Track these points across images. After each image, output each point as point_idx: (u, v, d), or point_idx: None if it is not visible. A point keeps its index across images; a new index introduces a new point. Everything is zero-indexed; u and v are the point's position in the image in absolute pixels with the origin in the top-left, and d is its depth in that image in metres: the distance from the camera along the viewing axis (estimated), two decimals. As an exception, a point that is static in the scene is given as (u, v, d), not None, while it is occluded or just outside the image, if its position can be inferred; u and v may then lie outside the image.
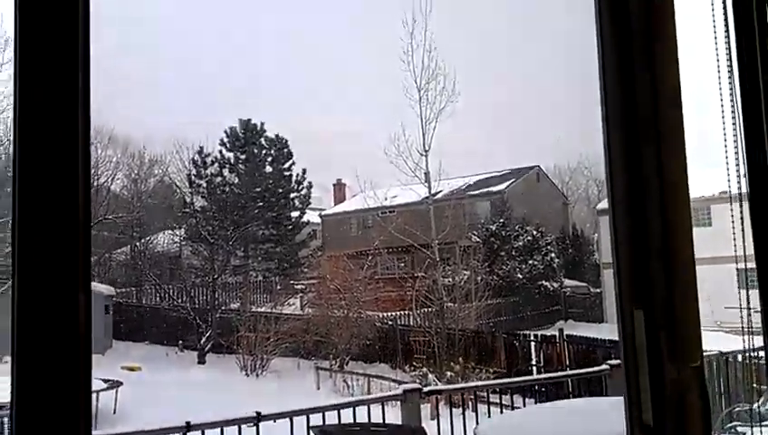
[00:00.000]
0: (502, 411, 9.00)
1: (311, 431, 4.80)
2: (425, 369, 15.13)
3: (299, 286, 23.85)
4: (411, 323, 18.76)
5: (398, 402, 5.61)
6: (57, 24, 1.15)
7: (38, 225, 1.13)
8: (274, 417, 5.38)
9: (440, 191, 21.50)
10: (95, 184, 25.43)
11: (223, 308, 20.53)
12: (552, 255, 24.44)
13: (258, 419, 5.19)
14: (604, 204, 26.59)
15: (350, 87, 25.23)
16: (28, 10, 1.12)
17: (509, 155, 27.46)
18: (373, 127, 23.79)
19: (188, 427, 4.90)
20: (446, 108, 18.98)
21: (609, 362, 6.27)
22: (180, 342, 20.41)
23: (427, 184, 20.11)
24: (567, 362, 14.26)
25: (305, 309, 21.19)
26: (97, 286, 20.59)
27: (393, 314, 18.95)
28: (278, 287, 24.59)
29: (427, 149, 19.32)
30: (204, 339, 19.40)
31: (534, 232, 24.37)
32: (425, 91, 19.07)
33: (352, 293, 19.02)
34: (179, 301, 21.20)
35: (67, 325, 1.06)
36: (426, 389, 5.93)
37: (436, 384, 12.21)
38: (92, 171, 25.66)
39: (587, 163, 31.78)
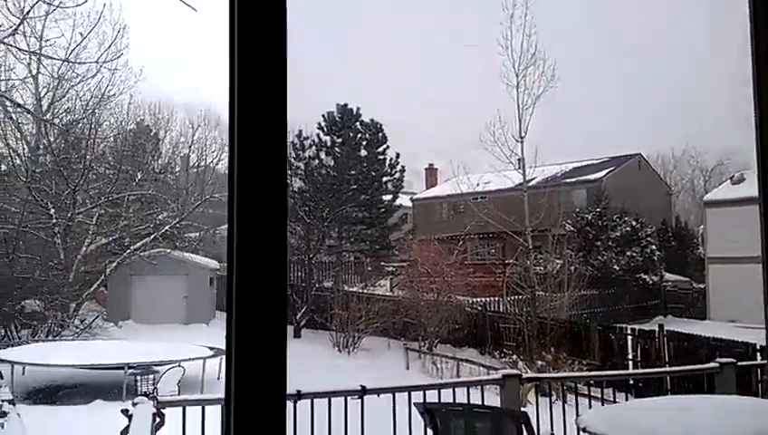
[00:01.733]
0: (591, 405, 8.86)
1: (414, 407, 4.99)
2: (515, 356, 15.08)
3: (389, 268, 24.25)
4: (501, 310, 18.68)
5: (496, 387, 5.71)
6: (268, 29, 1.28)
7: (254, 211, 1.27)
8: (378, 391, 5.62)
9: (534, 178, 21.11)
10: (203, 164, 26.90)
11: (317, 286, 21.24)
12: (653, 247, 23.47)
13: (363, 392, 5.44)
14: (712, 195, 25.19)
15: (446, 72, 25.11)
16: (244, 14, 1.27)
17: (608, 142, 26.48)
18: (468, 112, 23.63)
19: (299, 395, 5.21)
20: (545, 93, 18.55)
21: (718, 359, 6.07)
22: (276, 316, 21.36)
23: (521, 171, 19.81)
24: (666, 359, 13.77)
25: (395, 291, 21.54)
26: (203, 260, 21.87)
27: (483, 299, 18.92)
28: (369, 268, 25.09)
29: (522, 135, 19.00)
30: (299, 314, 20.21)
31: (634, 223, 23.46)
32: (523, 77, 18.72)
33: (442, 277, 19.14)
34: (275, 277, 22.08)
35: (277, 297, 1.20)
36: (524, 375, 5.99)
37: (527, 372, 12.16)
38: (201, 152, 27.14)
39: (693, 152, 30.16)
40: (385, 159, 26.51)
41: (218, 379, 12.80)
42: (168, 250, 20.16)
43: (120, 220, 19.06)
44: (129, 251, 18.83)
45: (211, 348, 13.70)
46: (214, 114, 28.28)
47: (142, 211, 20.29)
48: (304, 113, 28.40)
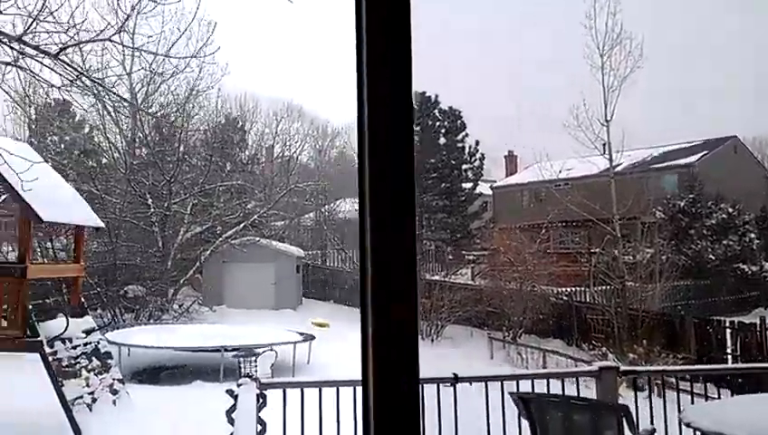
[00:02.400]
0: (693, 400, 8.53)
1: (508, 397, 5.00)
2: (604, 348, 14.68)
3: (470, 257, 24.13)
4: (588, 300, 18.21)
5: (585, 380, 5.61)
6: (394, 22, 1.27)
7: (384, 205, 1.25)
8: (470, 380, 5.66)
9: (621, 163, 20.36)
10: (286, 154, 27.68)
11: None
12: (752, 235, 22.14)
13: (456, 380, 5.50)
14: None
15: (526, 54, 24.54)
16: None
17: (700, 125, 25.14)
18: (550, 96, 23.03)
19: (457, 378, 5.29)
20: (631, 74, 17.79)
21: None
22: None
23: (607, 156, 19.14)
24: (769, 353, 13.05)
25: (476, 280, 21.42)
26: (289, 248, 22.55)
27: (568, 289, 18.51)
28: (450, 257, 25.07)
29: (608, 118, 18.32)
30: (384, 302, 20.44)
31: (730, 209, 22.22)
32: (608, 57, 18.02)
33: (525, 266, 18.85)
34: (359, 265, 22.48)
35: (408, 282, 1.20)
36: (622, 368, 5.86)
37: (619, 365, 11.82)
38: (284, 143, 27.91)
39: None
40: (464, 146, 26.33)
41: (308, 363, 13.26)
42: (257, 238, 20.94)
43: (211, 210, 19.95)
44: (220, 239, 19.69)
45: (300, 333, 14.18)
46: (296, 106, 29.04)
47: (232, 201, 21.16)
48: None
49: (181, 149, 19.53)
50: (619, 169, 19.99)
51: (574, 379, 5.77)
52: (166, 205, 18.25)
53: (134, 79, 18.37)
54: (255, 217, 21.30)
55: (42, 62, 6.17)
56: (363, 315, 1.22)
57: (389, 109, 1.20)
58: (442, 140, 26.40)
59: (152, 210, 17.97)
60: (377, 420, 1.16)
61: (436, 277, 21.71)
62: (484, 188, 28.22)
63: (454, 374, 5.59)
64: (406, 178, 1.20)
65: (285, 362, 12.26)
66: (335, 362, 12.89)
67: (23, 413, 8.12)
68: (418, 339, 1.24)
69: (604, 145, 19.03)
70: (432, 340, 17.75)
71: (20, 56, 6.02)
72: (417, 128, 26.19)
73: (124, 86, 18.88)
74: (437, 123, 26.48)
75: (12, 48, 5.95)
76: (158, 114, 17.85)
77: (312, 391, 5.01)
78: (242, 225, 20.54)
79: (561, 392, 5.58)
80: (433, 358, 14.12)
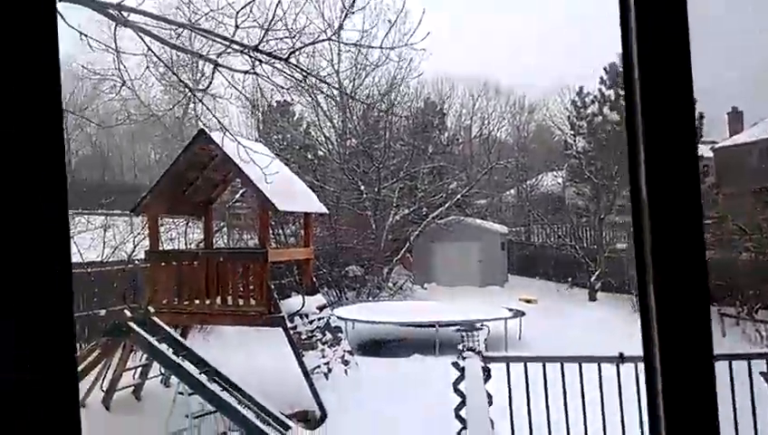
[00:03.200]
0: None
1: (760, 376, 4.63)
2: None
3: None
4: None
5: None
6: None
7: (664, 181, 1.19)
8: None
9: None
10: (485, 133, 27.73)
11: (610, 248, 20.45)
12: None
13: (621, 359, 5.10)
14: None
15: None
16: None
17: None
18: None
19: (622, 358, 5.18)
20: None
21: None
22: (569, 279, 21.20)
23: None
24: None
25: (700, 251, 19.59)
26: (494, 226, 22.67)
27: (816, 259, 16.14)
28: (668, 227, 23.24)
29: None
30: (593, 277, 19.74)
31: None
32: None
33: (761, 233, 16.81)
34: (566, 240, 21.90)
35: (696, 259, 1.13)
36: None
37: None
38: (482, 122, 27.95)
39: None
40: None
41: (519, 339, 13.33)
42: (461, 217, 21.37)
43: (417, 192, 20.81)
44: (427, 220, 20.47)
45: (510, 309, 14.27)
46: (492, 83, 28.87)
47: (435, 182, 21.84)
48: (584, 68, 27.28)
49: (386, 136, 20.59)
50: None
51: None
52: (376, 190, 19.42)
53: (341, 76, 19.73)
54: (458, 196, 21.73)
55: (274, 66, 6.94)
56: (642, 289, 1.12)
57: (663, 42, 1.04)
58: (651, 102, 24.43)
59: (364, 195, 19.27)
60: (666, 403, 1.06)
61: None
62: (703, 150, 25.55)
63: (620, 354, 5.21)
64: (685, 126, 1.05)
65: (497, 337, 12.46)
66: (545, 337, 12.81)
67: (271, 378, 9.31)
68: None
69: None
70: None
71: (256, 63, 6.79)
72: (623, 92, 24.52)
73: (333, 82, 20.39)
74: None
75: (250, 56, 6.74)
76: (366, 105, 18.94)
77: (535, 366, 5.10)
78: (446, 205, 21.11)
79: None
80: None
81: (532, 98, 29.76)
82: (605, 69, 24.65)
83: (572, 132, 24.47)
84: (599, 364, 4.85)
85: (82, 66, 9.60)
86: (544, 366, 5.01)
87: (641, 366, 4.44)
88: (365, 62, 19.96)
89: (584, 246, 21.29)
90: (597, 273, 19.77)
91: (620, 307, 17.28)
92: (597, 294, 19.53)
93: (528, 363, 5.16)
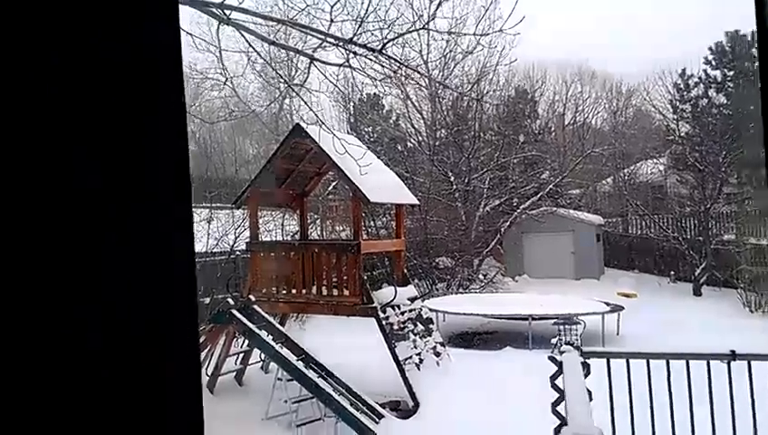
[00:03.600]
0: None
1: None
2: None
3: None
4: None
5: None
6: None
7: None
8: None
9: None
10: (579, 120, 26.82)
11: (716, 239, 19.29)
12: None
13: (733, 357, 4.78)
14: None
15: None
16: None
17: None
18: None
19: (734, 355, 4.89)
20: None
21: None
22: (672, 272, 20.20)
23: None
24: None
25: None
26: (588, 216, 21.95)
27: None
28: (781, 217, 21.58)
29: None
30: (698, 271, 18.71)
31: None
32: None
33: None
34: (668, 231, 20.85)
35: None
36: None
37: None
38: (576, 108, 27.03)
39: None
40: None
41: (617, 334, 12.85)
42: (554, 208, 20.83)
43: (507, 182, 20.47)
44: (518, 211, 20.10)
45: (607, 304, 13.78)
46: (587, 68, 27.83)
47: (526, 172, 21.39)
48: (687, 48, 25.83)
49: (476, 126, 20.36)
50: None
51: None
52: (466, 180, 19.28)
53: (430, 66, 19.68)
54: (551, 186, 21.18)
55: (367, 58, 7.01)
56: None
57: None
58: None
59: (454, 186, 19.18)
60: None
61: (765, 242, 18.89)
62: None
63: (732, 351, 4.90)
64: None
65: (593, 332, 12.07)
66: (646, 333, 12.26)
67: (364, 367, 9.49)
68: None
69: None
70: (764, 311, 15.63)
71: (350, 56, 6.88)
72: (731, 73, 22.98)
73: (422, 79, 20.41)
74: (755, 64, 22.83)
75: (345, 49, 6.84)
76: (457, 94, 18.77)
77: (637, 363, 4.91)
78: (538, 195, 20.64)
79: None
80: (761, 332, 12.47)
81: (630, 82, 28.47)
82: (710, 49, 23.20)
83: (675, 117, 23.24)
84: (707, 362, 4.60)
85: (187, 66, 10.14)
86: (648, 363, 4.82)
87: (755, 364, 4.21)
88: (454, 52, 19.82)
89: (688, 237, 20.18)
90: (702, 266, 18.71)
91: (727, 302, 16.31)
92: (702, 288, 18.49)
93: (630, 360, 5.00)
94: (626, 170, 25.23)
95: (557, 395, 5.34)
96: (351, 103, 21.65)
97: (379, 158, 12.19)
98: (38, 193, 0.55)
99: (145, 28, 0.62)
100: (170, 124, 0.64)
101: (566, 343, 5.73)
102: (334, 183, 17.30)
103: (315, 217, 16.57)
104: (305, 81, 7.85)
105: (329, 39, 6.72)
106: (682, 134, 22.30)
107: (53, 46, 0.57)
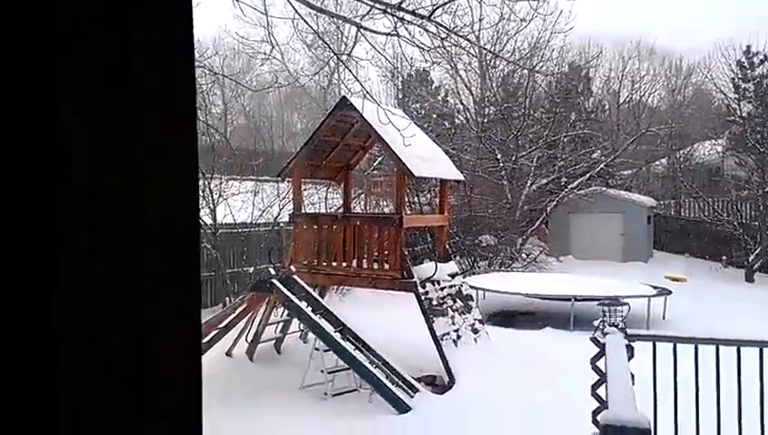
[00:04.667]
0: None
1: None
2: None
3: None
4: None
5: None
6: None
7: None
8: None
9: None
10: (635, 98, 25.92)
11: (774, 225, 18.50)
12: None
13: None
14: None
15: None
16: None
17: None
18: None
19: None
20: None
21: None
22: (724, 257, 19.51)
23: None
24: None
25: None
26: (639, 198, 21.32)
27: None
28: None
29: None
30: (752, 256, 18.00)
31: None
32: None
33: None
34: (723, 214, 20.08)
35: None
36: None
37: None
38: (632, 86, 26.13)
39: None
40: None
41: (663, 319, 12.49)
42: (603, 188, 20.28)
43: (556, 161, 20.00)
44: (566, 190, 19.65)
45: (654, 287, 13.40)
46: (645, 44, 26.81)
47: (576, 151, 20.84)
48: (753, 24, 24.58)
49: (526, 103, 19.89)
50: None
51: None
52: (513, 158, 18.93)
53: (482, 42, 19.25)
54: (601, 166, 20.60)
55: (417, 26, 6.75)
56: None
57: None
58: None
59: (501, 164, 18.85)
60: None
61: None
62: None
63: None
64: None
65: (638, 316, 11.76)
66: (694, 318, 11.90)
67: (401, 341, 9.50)
68: None
69: None
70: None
71: (398, 24, 6.61)
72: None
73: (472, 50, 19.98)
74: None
75: (394, 15, 6.56)
76: (511, 63, 18.28)
77: (684, 348, 4.74)
78: (587, 175, 20.11)
79: None
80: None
81: (690, 59, 27.31)
82: (779, 25, 22.02)
83: (736, 96, 22.22)
84: (760, 349, 4.41)
85: (237, 38, 10.15)
86: (696, 348, 4.64)
87: (810, 353, 3.97)
88: (507, 26, 19.32)
89: (743, 221, 19.39)
90: (757, 251, 17.98)
91: (785, 289, 15.68)
92: (755, 274, 17.80)
93: (677, 345, 4.82)
94: (681, 151, 24.34)
95: (597, 377, 5.22)
96: (399, 78, 21.41)
97: (427, 134, 12.05)
98: (41, 194, 0.53)
99: (158, 28, 0.58)
100: (182, 127, 0.61)
101: (611, 325, 5.58)
102: (380, 158, 17.24)
103: (360, 191, 16.57)
104: (352, 49, 7.71)
105: (377, 5, 6.54)
106: (743, 114, 21.32)
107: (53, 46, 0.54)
